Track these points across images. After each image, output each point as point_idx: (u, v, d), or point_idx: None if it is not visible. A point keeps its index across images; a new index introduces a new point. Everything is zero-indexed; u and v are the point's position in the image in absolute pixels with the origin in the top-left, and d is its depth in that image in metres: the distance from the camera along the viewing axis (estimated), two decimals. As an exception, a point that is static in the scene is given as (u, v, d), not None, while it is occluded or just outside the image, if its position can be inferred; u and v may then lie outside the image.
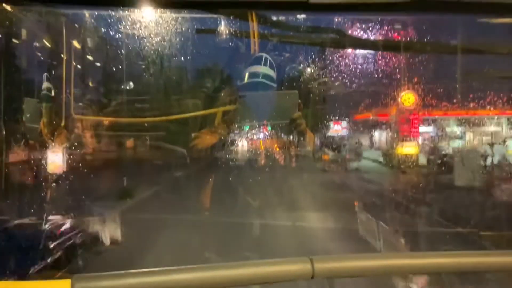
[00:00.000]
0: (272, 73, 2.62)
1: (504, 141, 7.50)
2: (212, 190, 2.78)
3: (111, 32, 2.32)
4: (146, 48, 2.45)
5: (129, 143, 3.48)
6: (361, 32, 2.76)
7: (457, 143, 8.31)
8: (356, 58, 3.97)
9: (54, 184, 2.48)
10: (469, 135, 8.35)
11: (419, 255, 1.29)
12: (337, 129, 7.71)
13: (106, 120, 3.05)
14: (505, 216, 3.57)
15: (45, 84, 2.46)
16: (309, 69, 3.55)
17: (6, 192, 2.32)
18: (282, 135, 2.92)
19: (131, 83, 3.30)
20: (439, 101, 6.46)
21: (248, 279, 1.04)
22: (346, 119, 7.83)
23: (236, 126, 2.64)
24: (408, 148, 6.92)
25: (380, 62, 4.21)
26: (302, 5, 1.48)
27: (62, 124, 2.46)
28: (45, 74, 2.50)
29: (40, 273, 2.31)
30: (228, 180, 2.83)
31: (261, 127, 2.78)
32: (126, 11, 1.96)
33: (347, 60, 3.83)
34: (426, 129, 8.43)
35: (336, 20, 2.37)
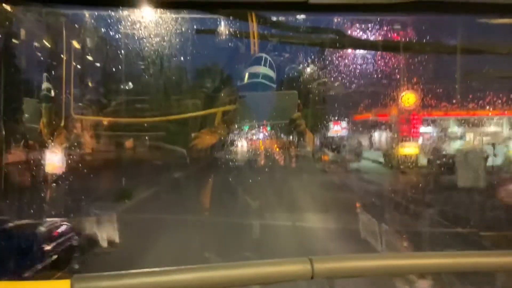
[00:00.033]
0: (271, 73, 2.62)
1: (505, 142, 7.49)
2: (211, 190, 2.77)
3: (111, 32, 2.32)
4: (146, 48, 2.45)
5: (129, 143, 3.48)
6: (361, 33, 2.76)
7: (458, 144, 8.29)
8: (356, 59, 3.97)
9: (54, 184, 2.48)
10: (470, 136, 8.34)
11: (419, 255, 1.29)
12: (337, 129, 7.71)
13: (106, 120, 3.05)
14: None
15: (45, 84, 2.46)
16: (308, 70, 3.55)
17: (6, 192, 2.32)
18: (282, 135, 2.92)
19: (130, 83, 3.30)
20: (439, 101, 6.47)
21: (248, 279, 1.04)
22: (346, 119, 7.83)
23: (236, 126, 2.64)
24: (408, 149, 6.91)
25: (380, 62, 4.21)
26: (302, 5, 1.48)
27: (62, 124, 2.46)
28: (45, 74, 2.50)
29: (39, 274, 2.31)
30: (228, 181, 2.82)
31: (261, 127, 2.78)
32: (126, 11, 1.96)
33: (346, 61, 3.83)
34: (426, 130, 8.42)
35: (336, 20, 2.37)
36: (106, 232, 2.42)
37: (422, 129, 8.03)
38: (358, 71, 4.03)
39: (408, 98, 5.68)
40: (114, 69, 3.14)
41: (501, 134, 7.97)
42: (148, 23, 2.19)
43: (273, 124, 2.75)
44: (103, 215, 2.76)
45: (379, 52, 3.92)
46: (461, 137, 8.50)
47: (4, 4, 1.78)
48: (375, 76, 4.47)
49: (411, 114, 6.89)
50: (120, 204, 3.77)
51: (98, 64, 3.23)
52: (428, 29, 2.61)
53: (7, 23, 2.02)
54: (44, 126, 2.43)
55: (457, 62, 3.90)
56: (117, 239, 2.49)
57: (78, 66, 2.74)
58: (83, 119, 2.79)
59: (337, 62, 3.73)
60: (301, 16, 2.09)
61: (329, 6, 1.60)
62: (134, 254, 2.73)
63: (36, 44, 2.65)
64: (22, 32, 2.33)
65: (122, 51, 2.60)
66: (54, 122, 2.45)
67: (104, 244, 2.38)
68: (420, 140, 7.75)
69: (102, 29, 2.39)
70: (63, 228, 2.60)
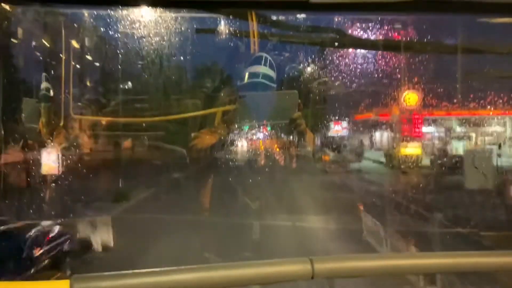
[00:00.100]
0: (272, 73, 2.62)
1: (510, 141, 7.45)
2: (211, 191, 2.77)
3: (110, 32, 2.31)
4: (146, 47, 2.44)
5: (129, 143, 3.48)
6: (362, 32, 2.76)
7: (461, 144, 8.25)
8: (356, 58, 3.96)
9: (53, 184, 2.48)
10: (473, 136, 8.31)
11: (419, 255, 1.29)
12: (338, 129, 7.69)
13: (106, 120, 3.05)
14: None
15: (44, 84, 2.45)
16: (309, 69, 3.55)
17: (5, 192, 2.32)
18: (282, 135, 2.92)
19: (130, 83, 3.29)
20: (441, 101, 6.45)
21: (248, 279, 1.03)
22: (347, 119, 7.81)
23: (236, 126, 2.64)
24: (410, 149, 6.88)
25: (381, 61, 4.20)
26: (302, 4, 1.47)
27: (61, 124, 2.45)
28: (44, 74, 2.50)
29: (38, 274, 2.31)
30: (228, 181, 2.82)
31: (261, 127, 2.78)
32: (125, 11, 1.96)
33: (347, 60, 3.83)
34: (428, 129, 8.40)
35: (336, 19, 2.37)
36: (105, 233, 2.41)
37: (424, 129, 8.01)
38: (359, 70, 4.02)
39: (410, 97, 5.67)
40: (113, 69, 3.14)
41: (504, 134, 7.94)
42: (147, 22, 2.18)
43: (273, 124, 2.75)
44: (104, 215, 2.76)
45: (380, 52, 3.92)
46: (464, 137, 8.47)
47: (3, 4, 1.78)
48: (376, 75, 4.47)
49: (413, 113, 6.87)
50: (120, 205, 3.77)
51: (97, 64, 3.23)
52: (429, 29, 2.60)
53: (6, 22, 2.02)
54: (43, 126, 2.43)
55: (459, 61, 3.89)
56: (116, 240, 2.48)
57: (77, 66, 2.74)
58: (82, 119, 2.78)
59: (337, 61, 3.72)
60: (301, 15, 2.09)
61: (329, 5, 1.59)
62: (134, 255, 2.72)
63: (35, 43, 2.65)
64: (21, 32, 2.33)
65: (122, 51, 2.60)
66: (53, 122, 2.44)
67: (103, 245, 2.37)
68: (422, 140, 7.72)
69: (102, 29, 2.39)
70: (61, 229, 2.60)
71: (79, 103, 2.82)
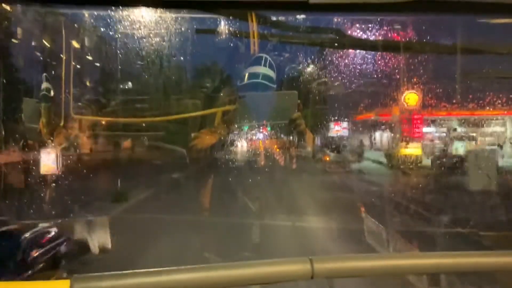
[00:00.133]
0: (271, 73, 2.62)
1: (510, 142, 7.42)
2: (211, 191, 2.77)
3: (110, 32, 2.31)
4: (146, 48, 2.45)
5: (129, 143, 3.48)
6: (361, 33, 2.76)
7: (462, 144, 8.20)
8: (357, 58, 3.95)
9: (53, 184, 2.48)
10: (475, 136, 8.27)
11: (419, 255, 1.29)
12: (338, 129, 7.69)
13: (106, 120, 3.05)
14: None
15: (44, 84, 2.45)
16: (309, 69, 3.55)
17: (5, 192, 2.32)
18: (282, 135, 2.92)
19: (130, 83, 3.29)
20: (442, 101, 6.43)
21: (248, 279, 1.04)
22: (347, 119, 7.80)
23: (236, 126, 2.64)
24: (411, 149, 6.86)
25: (382, 62, 4.19)
26: (302, 5, 1.47)
27: (61, 124, 2.45)
28: (44, 74, 2.49)
29: (38, 274, 2.30)
30: (228, 181, 2.82)
31: (261, 127, 2.78)
32: (126, 11, 1.96)
33: (347, 61, 3.82)
34: (429, 130, 8.38)
35: (336, 20, 2.37)
36: (105, 234, 2.41)
37: (425, 129, 7.98)
38: (359, 71, 4.01)
39: (410, 98, 5.65)
40: (113, 69, 3.14)
41: (505, 134, 7.92)
42: (147, 22, 2.18)
43: (273, 124, 2.75)
44: (104, 215, 2.76)
45: (380, 52, 3.91)
46: (464, 138, 8.45)
47: (3, 4, 1.78)
48: (377, 76, 4.46)
49: (413, 114, 6.85)
50: (120, 205, 3.77)
51: (97, 64, 3.23)
52: (429, 29, 2.60)
53: (6, 23, 2.02)
54: (44, 126, 2.43)
55: (459, 62, 3.89)
56: (116, 240, 2.48)
57: (78, 66, 2.74)
58: (82, 119, 2.78)
59: (337, 62, 3.72)
60: (301, 16, 2.09)
61: (329, 5, 1.59)
62: (134, 255, 2.72)
63: (35, 44, 2.65)
64: (22, 32, 2.33)
65: (122, 51, 2.60)
66: (53, 122, 2.44)
67: (103, 245, 2.37)
68: (422, 141, 7.70)
69: (102, 29, 2.39)
70: (61, 229, 2.60)
71: (80, 103, 2.82)
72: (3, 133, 2.07)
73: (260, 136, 2.97)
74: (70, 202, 2.72)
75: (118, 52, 2.62)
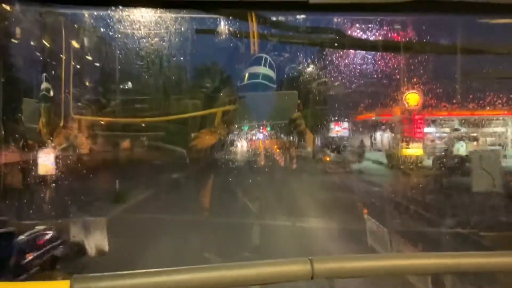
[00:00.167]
0: (272, 73, 2.62)
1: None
2: (211, 191, 2.77)
3: (110, 32, 2.31)
4: (146, 48, 2.45)
5: (129, 143, 3.47)
6: (361, 33, 2.76)
7: (463, 144, 8.16)
8: (358, 59, 3.95)
9: (53, 184, 2.47)
10: (476, 136, 8.24)
11: (419, 255, 1.29)
12: (338, 129, 7.67)
13: (106, 120, 3.05)
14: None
15: (44, 84, 2.45)
16: (309, 70, 3.54)
17: (5, 192, 2.32)
18: (282, 135, 2.92)
19: (130, 83, 3.29)
20: (444, 101, 6.41)
21: (248, 280, 1.04)
22: (348, 119, 7.78)
23: (236, 126, 2.64)
24: (412, 149, 6.82)
25: (384, 62, 4.18)
26: (302, 5, 1.48)
27: (61, 124, 2.45)
28: (44, 74, 2.49)
29: (38, 274, 2.30)
30: (227, 182, 2.82)
31: (261, 127, 2.78)
32: (126, 11, 1.96)
33: (347, 61, 3.82)
34: (431, 130, 8.34)
35: (336, 20, 2.37)
36: (105, 234, 2.41)
37: (426, 129, 7.94)
38: (360, 71, 4.01)
39: (412, 98, 5.62)
40: (113, 69, 3.14)
41: (506, 134, 7.88)
42: (147, 22, 2.18)
43: (273, 124, 2.75)
44: (103, 216, 2.75)
45: (381, 52, 3.90)
46: (465, 138, 8.41)
47: (3, 4, 1.78)
48: (377, 76, 4.45)
49: (414, 114, 6.82)
50: (120, 205, 3.77)
51: (97, 64, 3.23)
52: (429, 29, 2.60)
53: (6, 23, 2.02)
54: (43, 126, 2.43)
55: (460, 61, 3.88)
56: (116, 241, 2.48)
57: (77, 66, 2.74)
58: (82, 119, 2.78)
59: (337, 62, 3.72)
60: (301, 16, 2.09)
61: (329, 5, 1.59)
62: (133, 255, 2.72)
63: (35, 44, 2.65)
64: (22, 32, 2.33)
65: (122, 51, 2.60)
66: (53, 122, 2.44)
67: (102, 246, 2.37)
68: (425, 141, 7.66)
69: (102, 29, 2.39)
70: (61, 229, 2.59)
71: (79, 103, 2.82)
72: (3, 133, 2.07)
73: (260, 136, 2.96)
74: (70, 203, 2.72)
75: (118, 52, 2.62)
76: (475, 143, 8.17)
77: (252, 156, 3.04)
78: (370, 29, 2.77)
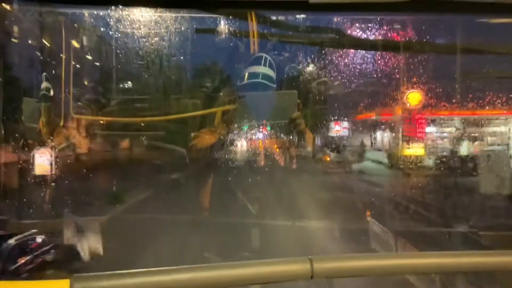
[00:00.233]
0: (271, 73, 2.62)
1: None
2: (210, 191, 2.77)
3: (110, 32, 2.31)
4: (146, 47, 2.45)
5: (129, 143, 3.47)
6: (361, 32, 2.76)
7: (466, 144, 8.10)
8: (358, 58, 3.94)
9: (53, 184, 2.47)
10: (482, 136, 8.19)
11: (419, 255, 1.29)
12: (338, 129, 7.65)
13: (105, 120, 3.05)
14: None
15: (44, 84, 2.45)
16: (309, 69, 3.54)
17: (5, 192, 2.32)
18: (282, 135, 2.92)
19: (130, 83, 3.29)
20: (446, 100, 6.38)
21: (248, 279, 1.04)
22: (348, 119, 7.76)
23: (236, 126, 2.64)
24: (414, 149, 6.78)
25: (385, 61, 4.17)
26: (302, 5, 1.48)
27: (61, 124, 2.45)
28: (44, 74, 2.49)
29: (38, 273, 2.30)
30: (227, 181, 2.82)
31: (261, 127, 2.78)
32: (125, 11, 1.96)
33: (347, 60, 3.81)
34: (433, 130, 8.30)
35: (336, 20, 2.37)
36: (105, 234, 2.41)
37: (428, 128, 7.88)
38: (359, 70, 4.00)
39: (413, 97, 5.59)
40: (113, 69, 3.14)
41: (508, 134, 7.83)
42: (147, 22, 2.18)
43: (273, 124, 2.75)
44: (103, 215, 2.76)
45: (381, 52, 3.90)
46: (468, 137, 8.37)
47: (3, 4, 1.78)
48: (379, 75, 4.44)
49: (416, 113, 6.77)
50: (120, 205, 3.77)
51: (97, 64, 3.23)
52: (430, 28, 2.60)
53: (6, 22, 2.02)
54: (44, 125, 2.43)
55: (462, 61, 3.87)
56: (116, 241, 2.49)
57: (77, 66, 2.74)
58: (82, 118, 2.78)
59: (337, 61, 3.71)
60: (301, 16, 2.09)
61: (329, 5, 1.60)
62: (133, 255, 2.72)
63: (35, 43, 2.65)
64: (21, 32, 2.33)
65: (122, 50, 2.60)
66: (53, 121, 2.44)
67: (102, 246, 2.37)
68: (426, 140, 7.61)
69: (101, 28, 2.39)
70: (60, 229, 2.59)
71: (79, 103, 2.82)
72: (3, 132, 2.07)
73: (260, 135, 2.97)
74: (70, 202, 2.72)
75: (118, 51, 2.62)
76: (478, 142, 8.13)
77: (252, 156, 3.04)
78: (370, 28, 2.77)
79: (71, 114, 2.54)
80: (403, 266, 1.17)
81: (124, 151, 3.49)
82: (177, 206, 3.13)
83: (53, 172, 2.29)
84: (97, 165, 3.27)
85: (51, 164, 2.27)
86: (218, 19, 2.17)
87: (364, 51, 3.73)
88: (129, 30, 2.23)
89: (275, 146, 2.91)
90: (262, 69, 2.58)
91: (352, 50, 3.67)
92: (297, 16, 2.10)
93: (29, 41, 2.61)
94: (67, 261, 2.43)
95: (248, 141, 2.99)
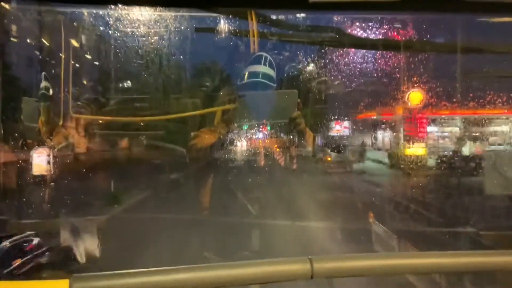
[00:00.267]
0: (272, 72, 2.62)
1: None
2: (210, 191, 2.77)
3: (109, 31, 2.31)
4: (145, 47, 2.44)
5: (128, 142, 3.47)
6: (362, 31, 2.75)
7: (468, 144, 8.08)
8: (358, 57, 3.93)
9: (52, 184, 2.47)
10: (485, 136, 8.15)
11: (419, 255, 1.28)
12: (339, 128, 7.63)
13: (105, 119, 3.04)
14: None
15: (43, 83, 2.45)
16: (309, 68, 3.54)
17: (5, 192, 2.32)
18: (282, 134, 2.92)
19: (129, 82, 3.29)
20: (448, 100, 6.35)
21: (248, 279, 1.03)
22: (349, 118, 7.74)
23: (236, 125, 2.64)
24: (416, 149, 6.76)
25: (385, 60, 4.17)
26: (302, 3, 1.47)
27: (60, 123, 2.45)
28: (43, 73, 2.49)
29: (38, 273, 2.30)
30: (227, 181, 2.81)
31: (261, 126, 2.78)
32: (125, 10, 1.96)
33: (348, 59, 3.81)
34: (435, 129, 8.28)
35: (336, 19, 2.37)
36: (104, 234, 2.41)
37: (430, 128, 7.85)
38: (360, 69, 3.99)
39: (415, 96, 5.57)
40: (112, 68, 3.13)
41: (510, 134, 7.81)
42: (147, 21, 2.18)
43: (273, 123, 2.75)
44: (103, 215, 2.75)
45: (381, 51, 3.89)
46: (471, 137, 8.34)
47: (1, 3, 1.77)
48: (379, 74, 4.43)
49: (417, 113, 6.76)
50: (119, 205, 3.76)
51: (96, 63, 3.22)
52: (429, 28, 2.60)
53: (5, 21, 2.01)
54: (43, 124, 2.43)
55: (463, 60, 3.87)
56: (115, 241, 2.48)
57: (77, 65, 2.74)
58: (81, 118, 2.78)
59: (337, 60, 3.71)
60: (301, 15, 2.09)
61: (329, 4, 1.59)
62: (133, 255, 2.72)
63: (34, 42, 2.65)
64: (20, 31, 2.32)
65: (121, 50, 2.60)
66: (52, 121, 2.44)
67: (101, 246, 2.37)
68: (428, 140, 7.59)
69: (101, 28, 2.39)
70: (60, 229, 2.59)
71: (79, 102, 2.82)
72: (2, 132, 2.06)
73: (260, 135, 2.96)
74: (69, 202, 2.71)
75: (117, 51, 2.62)
76: (480, 142, 8.11)
77: (252, 156, 3.04)
78: (370, 27, 2.76)
79: (70, 114, 2.54)
80: (403, 266, 1.16)
81: (123, 151, 3.48)
82: (177, 206, 3.12)
83: (52, 171, 2.29)
84: (96, 165, 3.26)
85: (49, 164, 2.26)
86: (218, 18, 2.17)
87: (364, 50, 3.73)
88: (128, 29, 2.23)
89: (275, 145, 2.91)
90: (262, 68, 2.58)
91: (353, 49, 3.67)
92: (297, 15, 2.10)
93: (28, 40, 2.61)
94: (66, 261, 2.43)
95: (248, 140, 2.99)
